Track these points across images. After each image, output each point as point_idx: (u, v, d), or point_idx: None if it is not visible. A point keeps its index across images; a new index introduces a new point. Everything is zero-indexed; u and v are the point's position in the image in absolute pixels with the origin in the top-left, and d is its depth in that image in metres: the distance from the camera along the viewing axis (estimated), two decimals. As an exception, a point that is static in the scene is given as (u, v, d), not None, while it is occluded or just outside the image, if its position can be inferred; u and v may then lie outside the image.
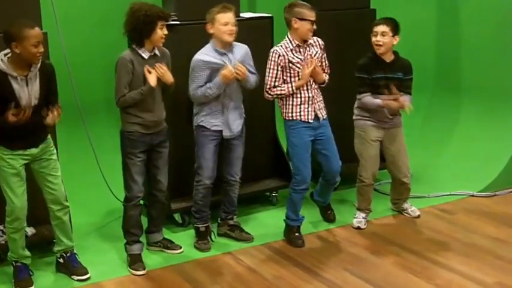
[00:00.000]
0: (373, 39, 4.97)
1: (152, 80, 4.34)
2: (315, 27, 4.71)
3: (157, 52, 4.45)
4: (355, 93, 5.15)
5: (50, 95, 4.19)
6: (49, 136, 4.31)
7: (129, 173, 4.51)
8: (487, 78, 6.49)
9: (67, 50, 4.94)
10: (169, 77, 4.44)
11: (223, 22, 4.59)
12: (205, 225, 4.92)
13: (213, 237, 4.99)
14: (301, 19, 4.68)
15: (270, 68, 4.73)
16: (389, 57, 5.01)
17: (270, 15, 5.45)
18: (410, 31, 6.76)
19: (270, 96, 4.80)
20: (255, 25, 5.34)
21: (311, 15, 4.68)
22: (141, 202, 4.73)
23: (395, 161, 5.22)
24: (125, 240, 4.67)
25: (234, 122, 4.80)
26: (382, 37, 4.93)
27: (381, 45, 4.94)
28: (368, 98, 5.00)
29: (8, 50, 4.01)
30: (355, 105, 5.17)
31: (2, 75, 3.98)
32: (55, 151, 4.34)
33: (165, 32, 4.37)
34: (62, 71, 4.83)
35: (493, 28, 6.36)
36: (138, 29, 4.30)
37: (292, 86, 4.72)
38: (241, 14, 5.37)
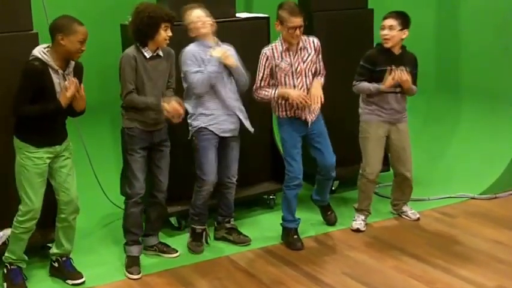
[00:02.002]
0: (381, 32, 4.92)
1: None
2: (297, 32, 4.58)
3: (160, 52, 4.46)
4: (356, 96, 5.11)
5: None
6: (68, 136, 4.32)
7: (130, 169, 4.49)
8: (486, 80, 6.50)
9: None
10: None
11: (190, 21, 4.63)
12: (202, 227, 4.88)
13: (208, 240, 4.94)
14: (282, 24, 4.63)
15: (258, 69, 4.71)
16: (397, 51, 4.96)
17: (266, 15, 5.42)
18: (409, 33, 6.73)
19: (256, 97, 4.77)
20: (251, 25, 5.30)
21: (290, 20, 4.55)
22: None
23: (400, 155, 5.17)
24: (125, 241, 4.63)
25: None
26: (389, 31, 4.87)
27: (388, 39, 4.89)
28: (363, 84, 4.96)
29: (45, 45, 4.04)
30: (361, 99, 5.12)
31: (44, 65, 4.00)
32: (72, 151, 4.33)
33: (169, 33, 4.37)
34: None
35: (492, 30, 6.37)
36: (141, 30, 4.32)
37: (274, 93, 4.67)
38: (238, 14, 5.35)
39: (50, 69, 4.02)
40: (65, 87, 4.04)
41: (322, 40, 4.91)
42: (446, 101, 6.90)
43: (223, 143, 4.78)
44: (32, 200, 4.13)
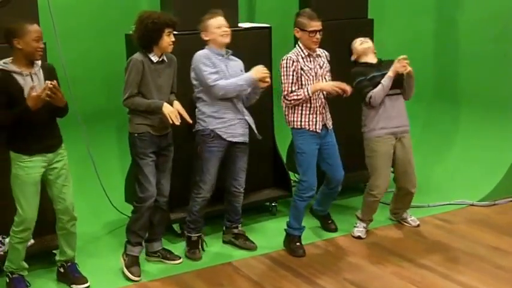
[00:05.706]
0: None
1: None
2: (318, 36, 4.74)
3: (165, 58, 4.56)
4: (358, 102, 5.16)
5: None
6: (63, 145, 4.33)
7: (142, 173, 4.54)
8: (485, 88, 6.50)
9: (66, 62, 4.97)
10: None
11: (217, 25, 4.71)
12: (197, 235, 4.94)
13: (204, 246, 4.99)
14: (302, 29, 4.73)
15: (286, 75, 4.75)
16: (373, 60, 5.15)
17: (268, 25, 5.48)
18: (408, 41, 6.77)
19: (288, 102, 4.79)
20: (254, 35, 5.36)
21: (310, 25, 4.71)
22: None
23: (406, 170, 5.20)
24: (127, 240, 4.69)
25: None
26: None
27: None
28: (376, 90, 5.00)
29: (7, 59, 4.08)
30: (363, 117, 5.18)
31: (6, 74, 4.05)
32: (68, 161, 4.36)
33: (172, 38, 4.48)
34: (60, 83, 4.84)
35: (491, 37, 6.37)
36: (146, 36, 4.42)
37: (307, 90, 4.72)
38: (240, 24, 5.40)
39: (15, 75, 4.06)
40: (31, 87, 4.02)
41: (323, 49, 4.99)
42: (445, 108, 6.91)
43: (231, 150, 4.83)
44: (25, 210, 4.18)
